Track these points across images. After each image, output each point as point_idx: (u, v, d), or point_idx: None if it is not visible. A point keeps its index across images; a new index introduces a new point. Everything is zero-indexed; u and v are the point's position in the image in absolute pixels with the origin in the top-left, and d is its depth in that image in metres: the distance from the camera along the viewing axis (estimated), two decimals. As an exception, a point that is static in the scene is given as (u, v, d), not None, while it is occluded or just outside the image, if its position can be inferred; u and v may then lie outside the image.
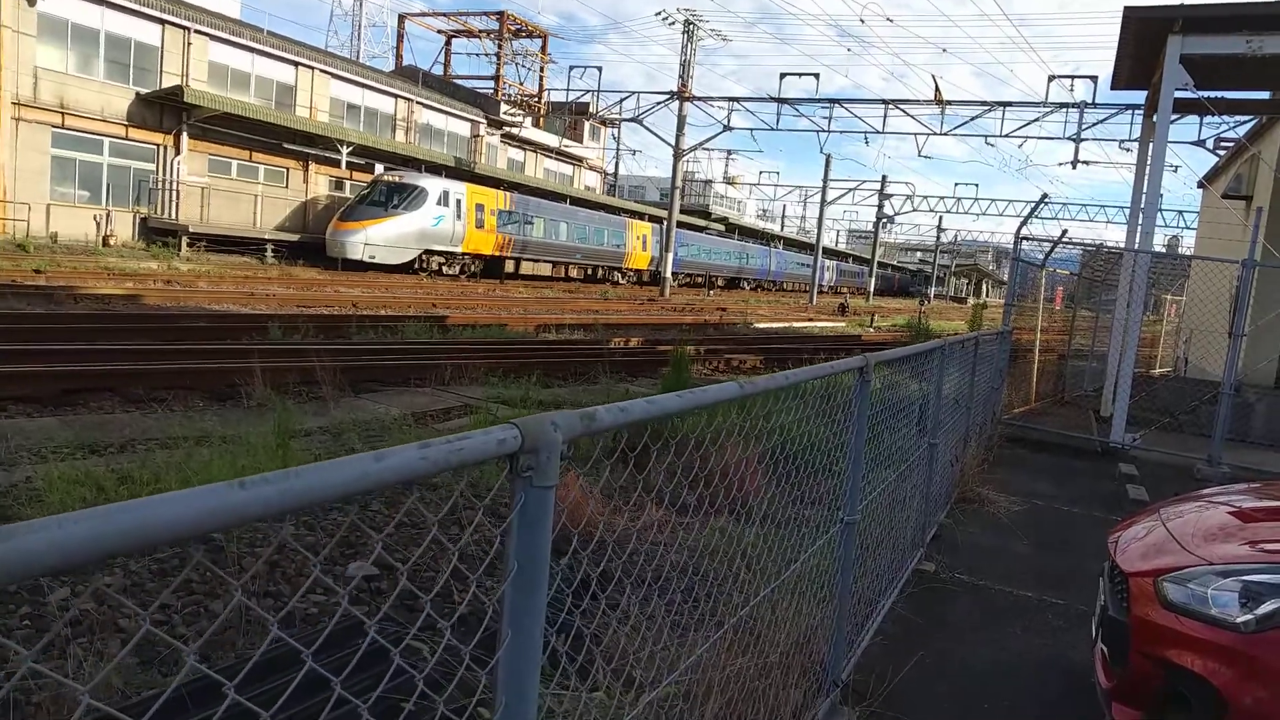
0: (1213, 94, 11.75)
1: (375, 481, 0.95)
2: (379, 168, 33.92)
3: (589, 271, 44.98)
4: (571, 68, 38.00)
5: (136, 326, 11.59)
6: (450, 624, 1.24)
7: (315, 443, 6.58)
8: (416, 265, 32.43)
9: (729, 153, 73.44)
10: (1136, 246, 11.36)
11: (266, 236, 30.78)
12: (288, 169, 33.41)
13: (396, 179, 32.26)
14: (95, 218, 27.31)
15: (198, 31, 29.87)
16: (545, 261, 40.66)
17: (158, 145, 29.02)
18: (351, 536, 4.45)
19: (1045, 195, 10.74)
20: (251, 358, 9.05)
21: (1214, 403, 9.92)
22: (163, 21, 28.84)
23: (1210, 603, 3.06)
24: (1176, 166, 32.81)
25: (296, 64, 34.21)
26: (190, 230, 27.98)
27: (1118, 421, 10.22)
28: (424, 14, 50.13)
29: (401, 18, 49.91)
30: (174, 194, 29.16)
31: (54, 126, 26.28)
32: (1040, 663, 4.31)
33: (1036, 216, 10.61)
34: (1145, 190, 11.17)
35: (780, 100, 36.56)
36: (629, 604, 2.53)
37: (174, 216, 28.89)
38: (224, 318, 13.80)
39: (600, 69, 40.74)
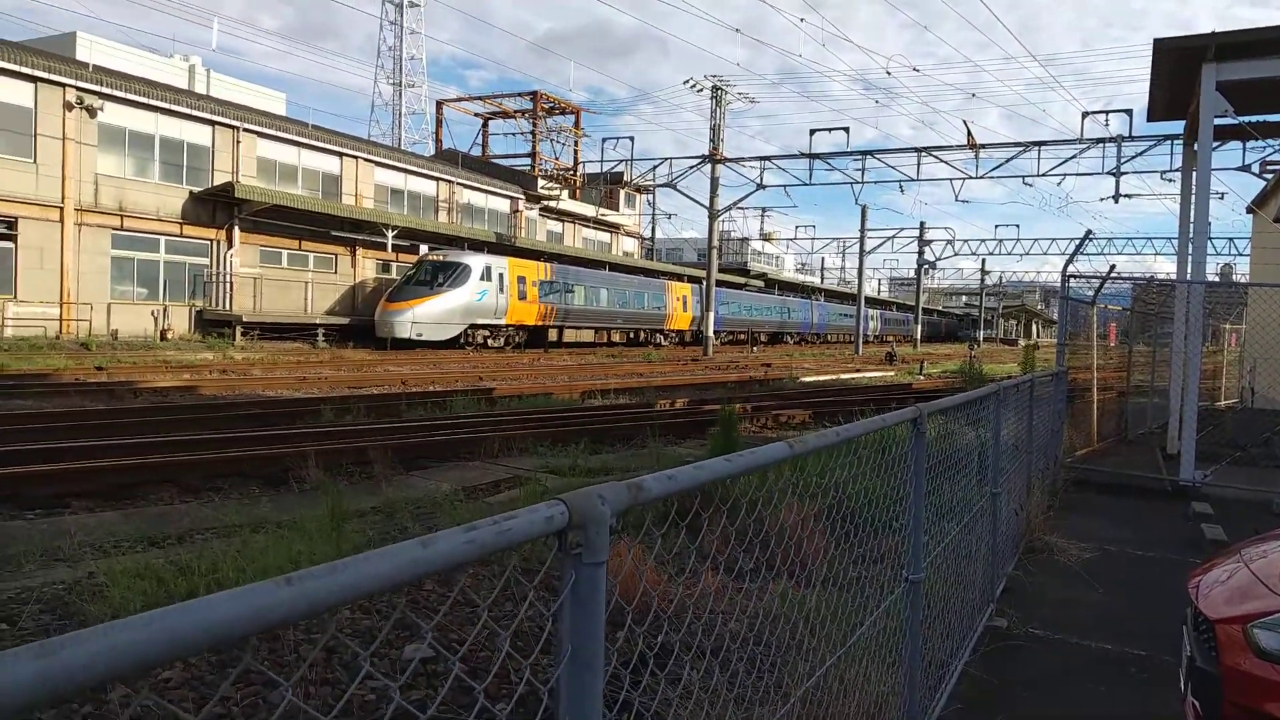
0: (1254, 119, 11.57)
1: (423, 570, 0.94)
2: (423, 248, 34.82)
3: (631, 335, 45.26)
4: (605, 140, 39.03)
5: (193, 417, 11.87)
6: (507, 710, 1.20)
7: (368, 524, 6.60)
8: (462, 340, 32.97)
9: (764, 210, 74.09)
10: (1189, 277, 11.09)
11: (317, 321, 31.62)
12: (336, 255, 34.46)
13: (440, 258, 33.07)
14: (153, 313, 28.35)
15: (246, 130, 31.27)
16: (587, 328, 41.05)
17: (211, 240, 30.19)
18: (408, 617, 4.42)
19: (1089, 232, 10.57)
20: (305, 441, 9.20)
21: (1287, 433, 9.52)
22: (213, 123, 30.27)
23: (1308, 649, 2.87)
24: (1223, 194, 32.19)
25: (341, 154, 35.54)
26: (243, 320, 28.87)
27: (1186, 458, 9.85)
28: (461, 99, 51.86)
29: (440, 104, 51.73)
30: (227, 286, 30.19)
31: (113, 229, 27.52)
32: (1129, 720, 4.08)
33: (1082, 253, 10.44)
34: (1193, 219, 10.96)
35: (811, 156, 36.87)
36: (690, 679, 2.45)
37: (228, 307, 29.87)
38: (277, 403, 14.08)
39: (633, 139, 41.71)
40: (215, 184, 29.71)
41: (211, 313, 29.56)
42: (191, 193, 29.37)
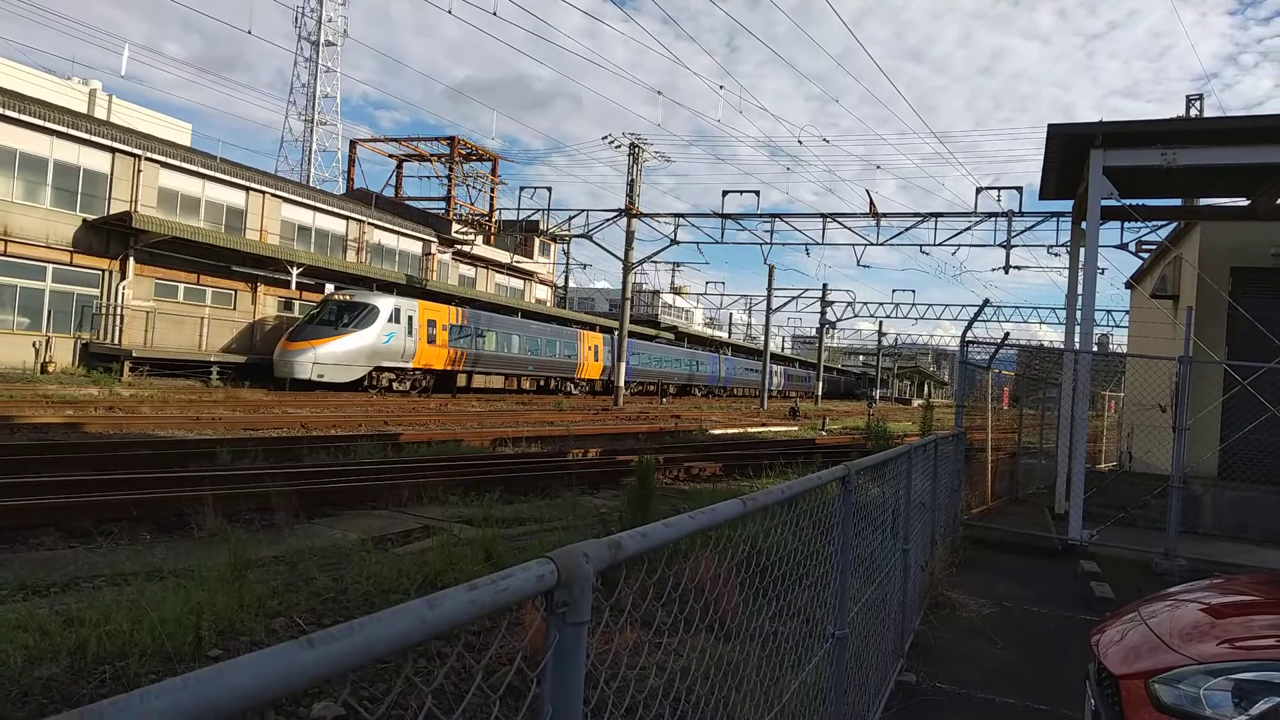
0: (1134, 202, 12.51)
1: (431, 629, 0.92)
2: (329, 287, 33.95)
3: (542, 383, 44.99)
4: (521, 188, 39.38)
5: (78, 456, 11.18)
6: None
7: (271, 573, 6.31)
8: (366, 382, 32.12)
9: (675, 264, 75.37)
10: (1077, 347, 11.78)
11: (212, 359, 30.32)
12: (235, 291, 33.28)
13: (347, 297, 32.28)
14: (34, 344, 26.70)
15: (148, 159, 30.13)
16: (498, 374, 40.63)
17: (103, 270, 28.77)
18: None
19: (987, 300, 11.18)
20: (201, 485, 8.77)
21: (1164, 496, 10.13)
22: (113, 150, 29.06)
23: (1204, 703, 3.05)
24: (1104, 269, 34.55)
25: (247, 188, 34.57)
26: (133, 354, 27.45)
27: (1074, 519, 10.35)
28: (375, 139, 51.34)
29: (353, 143, 51.07)
30: (118, 318, 28.74)
31: (-5, 254, 25.96)
32: (1034, 774, 4.21)
33: (978, 320, 10.99)
34: (1081, 292, 11.69)
35: (723, 216, 37.86)
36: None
37: (117, 341, 28.39)
38: (170, 444, 13.40)
39: (550, 189, 41.93)
40: (112, 213, 28.40)
41: (99, 346, 28.02)
42: (85, 220, 28.00)
